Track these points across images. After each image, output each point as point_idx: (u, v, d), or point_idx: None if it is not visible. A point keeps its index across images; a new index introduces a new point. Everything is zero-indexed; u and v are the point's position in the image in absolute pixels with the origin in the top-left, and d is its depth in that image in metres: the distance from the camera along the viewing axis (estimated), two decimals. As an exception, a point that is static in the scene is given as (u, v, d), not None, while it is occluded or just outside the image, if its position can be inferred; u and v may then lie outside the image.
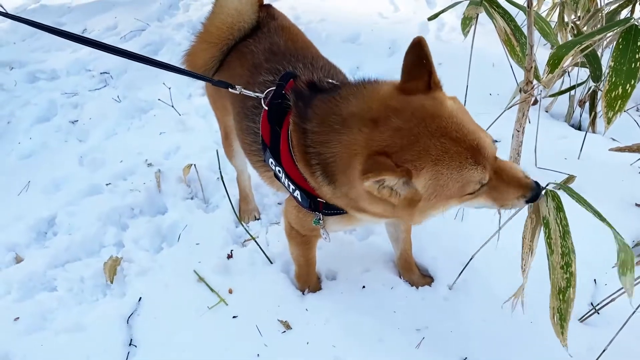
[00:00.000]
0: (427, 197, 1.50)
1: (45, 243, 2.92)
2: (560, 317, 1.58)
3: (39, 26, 1.83)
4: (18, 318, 2.44)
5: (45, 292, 2.59)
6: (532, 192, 1.58)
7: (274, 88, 1.92)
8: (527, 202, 1.60)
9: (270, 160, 1.93)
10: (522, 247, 1.75)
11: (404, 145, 1.45)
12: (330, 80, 1.90)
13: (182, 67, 2.29)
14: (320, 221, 1.93)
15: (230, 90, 1.98)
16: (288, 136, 1.82)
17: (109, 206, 3.04)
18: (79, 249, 2.83)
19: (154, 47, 5.02)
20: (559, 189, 1.65)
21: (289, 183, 1.88)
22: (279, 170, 1.91)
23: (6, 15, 2.04)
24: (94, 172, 3.39)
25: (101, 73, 4.78)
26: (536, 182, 1.60)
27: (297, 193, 1.87)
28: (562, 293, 1.58)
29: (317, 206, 1.86)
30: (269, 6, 2.30)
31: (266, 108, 1.91)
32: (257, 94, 1.96)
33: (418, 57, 1.54)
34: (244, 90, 1.97)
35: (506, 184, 1.56)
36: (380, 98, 1.57)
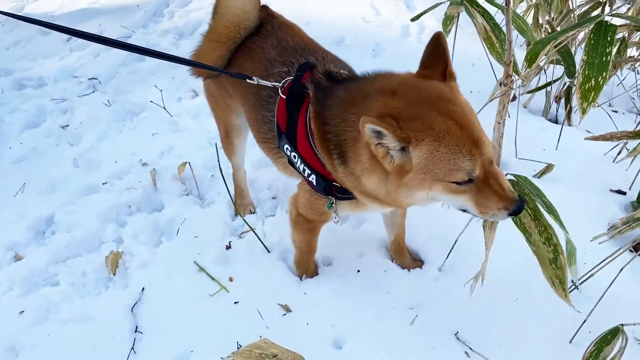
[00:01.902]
0: (417, 170, 1.59)
1: (45, 241, 2.98)
2: (560, 281, 1.75)
3: (50, 26, 1.92)
4: (23, 311, 2.50)
5: (48, 286, 2.64)
6: (516, 205, 1.60)
7: (291, 78, 2.03)
8: (509, 214, 1.62)
9: (286, 146, 2.02)
10: (484, 228, 1.88)
11: (412, 115, 1.57)
12: (344, 72, 2.02)
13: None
14: (333, 204, 2.03)
15: (247, 80, 2.07)
16: (306, 122, 1.93)
17: (106, 204, 3.10)
18: (79, 245, 2.89)
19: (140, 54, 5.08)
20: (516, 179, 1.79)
21: (305, 167, 1.97)
22: (294, 156, 2.00)
23: (13, 15, 2.11)
24: (90, 173, 3.46)
25: (89, 79, 4.84)
26: (520, 198, 1.63)
27: (312, 177, 1.97)
28: (554, 262, 1.75)
29: (331, 190, 1.96)
30: (266, 6, 2.41)
31: (283, 97, 2.02)
32: (274, 84, 2.06)
33: (436, 49, 1.70)
34: (261, 81, 2.06)
35: (492, 191, 1.59)
36: (401, 78, 1.74)
